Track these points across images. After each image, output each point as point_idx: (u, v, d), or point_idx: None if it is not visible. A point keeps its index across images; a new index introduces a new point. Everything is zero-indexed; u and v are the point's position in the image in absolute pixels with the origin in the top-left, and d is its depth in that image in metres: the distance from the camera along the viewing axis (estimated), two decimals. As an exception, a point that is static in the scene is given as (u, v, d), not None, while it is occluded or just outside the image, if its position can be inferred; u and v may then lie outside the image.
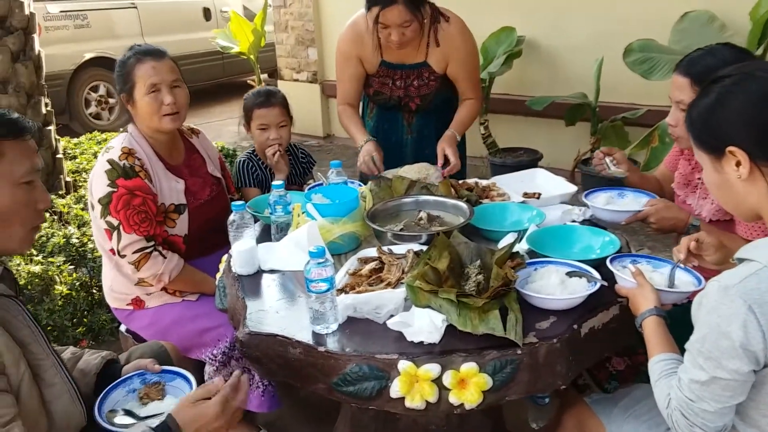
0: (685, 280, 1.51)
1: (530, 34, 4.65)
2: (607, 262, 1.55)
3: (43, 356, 1.29)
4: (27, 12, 3.64)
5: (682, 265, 1.49)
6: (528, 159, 4.49)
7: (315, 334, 1.45)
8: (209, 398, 1.34)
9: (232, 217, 1.82)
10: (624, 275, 1.47)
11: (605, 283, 1.50)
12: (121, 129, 2.15)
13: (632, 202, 1.94)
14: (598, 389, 1.84)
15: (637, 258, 1.61)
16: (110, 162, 1.96)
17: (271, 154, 2.48)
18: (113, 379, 1.59)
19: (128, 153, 2.00)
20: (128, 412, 1.49)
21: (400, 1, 2.21)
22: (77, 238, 3.07)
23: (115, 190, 1.94)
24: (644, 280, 1.41)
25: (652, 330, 1.32)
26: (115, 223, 1.95)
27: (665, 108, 1.87)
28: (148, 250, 1.98)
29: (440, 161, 2.34)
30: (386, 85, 2.53)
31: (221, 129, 6.62)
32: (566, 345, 1.38)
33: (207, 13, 7.88)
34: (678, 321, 1.39)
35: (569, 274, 1.54)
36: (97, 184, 1.98)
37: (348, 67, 2.53)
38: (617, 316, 1.51)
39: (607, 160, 2.05)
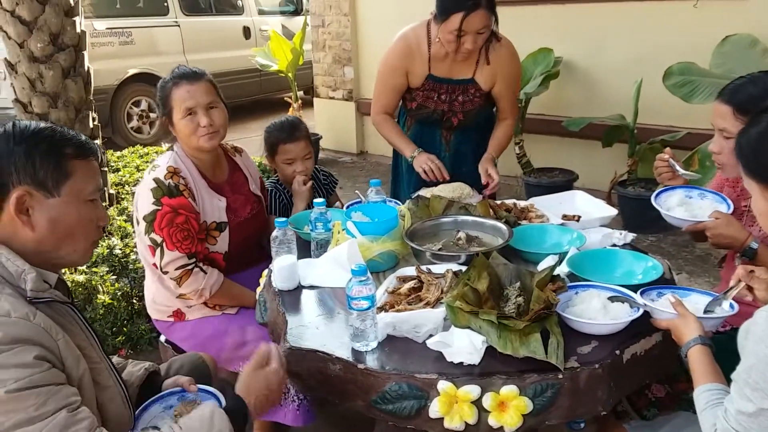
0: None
1: (568, 55, 4.65)
2: (638, 295, 1.54)
3: (98, 360, 1.33)
4: (78, 30, 3.76)
5: (728, 299, 1.47)
6: (563, 180, 4.47)
7: (354, 351, 1.46)
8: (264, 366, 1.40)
9: (275, 233, 1.86)
10: (659, 307, 1.46)
11: (648, 309, 1.48)
12: (166, 146, 2.21)
13: (709, 207, 1.85)
14: (637, 416, 1.81)
15: (662, 290, 1.59)
16: (156, 180, 2.02)
17: (302, 182, 2.46)
18: (154, 391, 1.61)
19: (173, 172, 2.05)
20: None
21: (484, 6, 2.25)
22: (120, 249, 3.15)
23: (160, 208, 1.99)
24: (685, 310, 1.40)
25: (697, 359, 1.31)
26: (159, 240, 2.00)
27: (705, 131, 1.85)
28: (189, 267, 2.02)
29: (485, 180, 2.37)
30: (431, 98, 2.56)
31: (258, 144, 6.72)
32: (608, 370, 1.37)
33: (247, 32, 8.08)
34: (722, 349, 1.37)
35: (611, 299, 1.53)
36: (143, 202, 2.03)
37: (393, 78, 2.57)
38: (659, 342, 1.49)
39: (674, 162, 1.95)
